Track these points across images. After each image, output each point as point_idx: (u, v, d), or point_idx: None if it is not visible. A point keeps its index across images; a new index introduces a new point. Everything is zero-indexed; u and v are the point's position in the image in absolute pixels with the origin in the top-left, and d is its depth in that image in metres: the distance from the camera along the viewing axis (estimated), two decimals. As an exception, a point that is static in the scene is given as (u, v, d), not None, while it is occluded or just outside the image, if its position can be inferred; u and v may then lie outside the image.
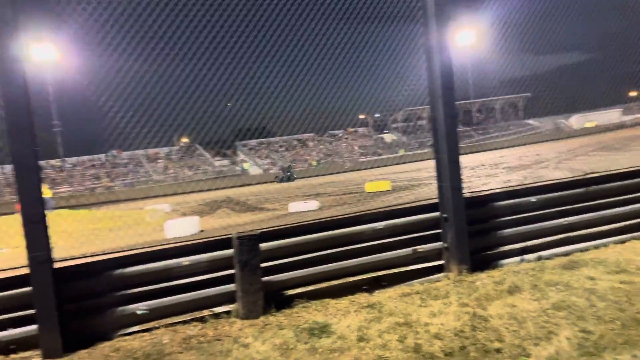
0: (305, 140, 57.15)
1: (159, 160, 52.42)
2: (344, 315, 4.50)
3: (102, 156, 51.31)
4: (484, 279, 5.07)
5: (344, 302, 4.86)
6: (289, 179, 33.72)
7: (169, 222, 17.36)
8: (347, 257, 5.21)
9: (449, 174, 5.25)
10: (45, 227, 4.03)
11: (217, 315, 4.66)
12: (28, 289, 4.08)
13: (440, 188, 5.43)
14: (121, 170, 49.80)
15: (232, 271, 4.70)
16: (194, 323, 4.54)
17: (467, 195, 5.51)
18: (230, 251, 4.70)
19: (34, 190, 3.98)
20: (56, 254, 4.27)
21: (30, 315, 4.11)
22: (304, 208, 17.84)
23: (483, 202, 5.78)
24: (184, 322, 4.54)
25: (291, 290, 4.91)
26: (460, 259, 5.22)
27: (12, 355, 4.12)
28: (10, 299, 4.15)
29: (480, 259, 5.42)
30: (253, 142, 56.16)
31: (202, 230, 16.91)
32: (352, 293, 5.03)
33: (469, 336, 3.79)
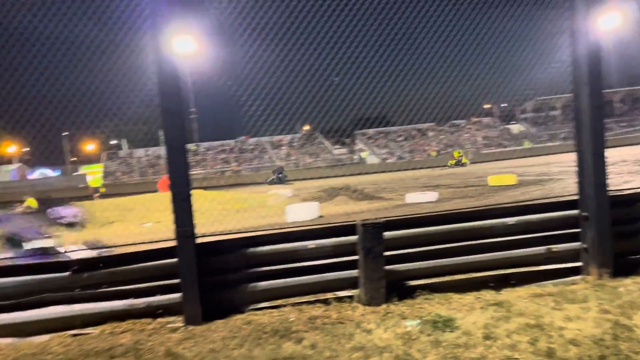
0: (424, 130, 55.97)
1: (282, 147, 54.76)
2: (469, 311, 4.37)
3: (232, 142, 54.88)
4: (629, 286, 4.61)
5: (468, 297, 4.72)
6: (280, 180, 33.69)
7: (290, 206, 18.06)
8: (474, 251, 5.04)
9: (592, 168, 4.83)
10: (190, 205, 4.41)
11: (340, 299, 4.78)
12: (174, 260, 4.51)
13: (580, 184, 5.02)
14: (248, 156, 52.88)
15: (355, 257, 4.78)
16: (318, 304, 4.71)
17: (611, 193, 5.03)
18: (354, 237, 4.78)
19: (183, 170, 4.38)
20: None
21: (175, 284, 4.54)
22: (421, 199, 17.50)
23: (630, 201, 5.24)
24: (309, 303, 4.73)
25: (414, 281, 4.87)
26: (602, 261, 4.79)
27: (159, 319, 4.59)
28: (159, 268, 4.62)
29: (624, 263, 4.93)
30: (372, 131, 56.29)
31: (321, 216, 17.36)
32: (477, 289, 4.86)
33: (609, 345, 3.48)
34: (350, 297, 4.78)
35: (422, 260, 4.95)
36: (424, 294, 4.78)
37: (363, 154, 53.58)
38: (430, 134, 55.65)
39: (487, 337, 3.81)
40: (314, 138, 56.39)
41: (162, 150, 50.62)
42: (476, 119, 56.09)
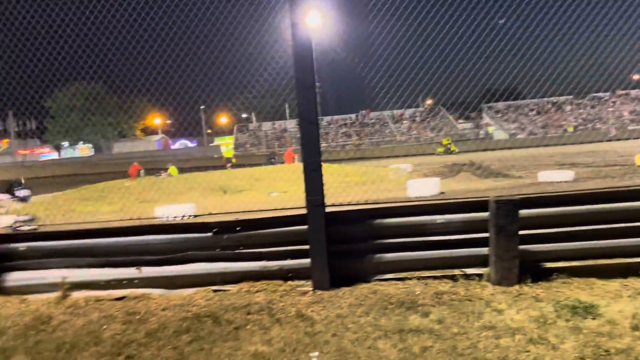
0: (560, 104, 51.49)
1: (404, 121, 53.97)
2: (614, 299, 4.01)
3: (353, 116, 55.32)
4: None
5: (613, 284, 4.32)
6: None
7: (411, 181, 17.80)
8: (621, 235, 4.58)
9: None
10: (321, 175, 4.55)
11: (467, 276, 4.65)
12: (305, 227, 4.70)
13: None
14: (369, 130, 52.97)
15: (486, 235, 4.59)
16: (445, 280, 4.63)
17: None
18: (485, 214, 4.59)
19: (314, 141, 4.51)
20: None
21: (305, 250, 4.74)
22: (556, 178, 16.20)
23: None
24: (435, 278, 4.66)
25: (551, 263, 4.57)
26: None
27: (290, 282, 4.84)
28: (290, 234, 4.85)
29: None
30: (500, 104, 53.12)
31: (442, 192, 16.90)
32: (624, 276, 4.43)
33: None
34: (479, 275, 4.62)
35: (561, 242, 4.62)
36: (562, 277, 4.46)
37: (490, 129, 50.88)
38: (568, 107, 51.07)
39: (636, 327, 3.47)
40: (437, 112, 54.67)
41: (287, 124, 52.69)
42: (622, 92, 50.23)
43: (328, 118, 54.67)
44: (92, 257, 5.04)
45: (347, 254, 4.87)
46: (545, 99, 50.22)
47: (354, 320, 3.99)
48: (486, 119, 52.64)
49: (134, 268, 4.99)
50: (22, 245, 5.07)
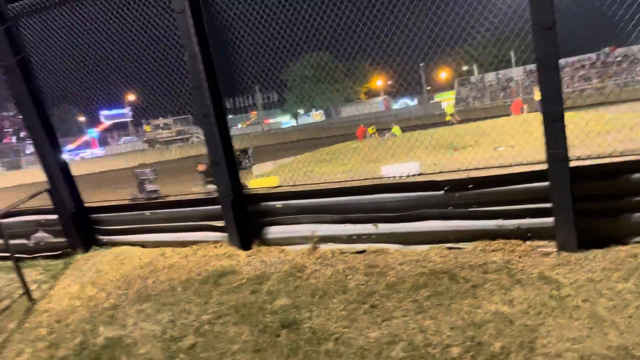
0: None
1: (662, 55, 44.87)
2: None
3: (593, 55, 48.14)
4: None
5: None
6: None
7: (676, 126, 14.91)
8: None
9: None
10: (563, 126, 4.11)
11: None
12: (545, 183, 4.34)
13: None
14: (614, 70, 45.58)
15: None
16: None
17: None
18: None
19: (555, 89, 4.08)
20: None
21: (546, 208, 4.39)
22: None
23: None
24: None
25: None
26: None
27: (528, 242, 4.57)
28: (528, 191, 4.54)
29: None
30: None
31: None
32: None
33: None
34: None
35: None
36: None
37: None
38: None
39: None
40: None
41: (513, 73, 48.77)
42: None
43: (561, 61, 48.68)
44: (334, 214, 5.54)
45: (597, 213, 4.35)
46: None
47: (609, 286, 3.59)
48: None
49: (371, 224, 5.33)
50: (278, 203, 5.85)
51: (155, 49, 6.48)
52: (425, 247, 5.03)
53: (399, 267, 4.67)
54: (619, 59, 46.60)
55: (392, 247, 5.21)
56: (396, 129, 28.45)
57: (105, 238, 7.29)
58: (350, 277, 4.68)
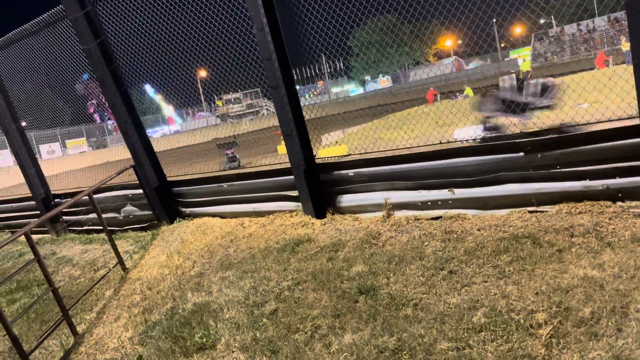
0: None
1: None
2: None
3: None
4: None
5: None
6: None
7: None
8: None
9: None
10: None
11: None
12: (637, 140, 4.03)
13: None
14: None
15: None
16: None
17: None
18: None
19: (649, 36, 3.73)
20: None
21: (637, 167, 4.09)
22: None
23: None
24: None
25: None
26: None
27: (619, 203, 4.28)
28: (618, 149, 4.23)
29: None
30: None
31: None
32: None
33: None
34: None
35: None
36: None
37: None
38: None
39: None
40: None
41: (596, 22, 45.08)
42: None
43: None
44: (407, 180, 5.47)
45: (698, 169, 4.00)
46: None
47: None
48: None
49: (447, 190, 5.21)
50: (350, 172, 5.86)
51: (225, 25, 6.58)
52: (505, 212, 4.86)
53: (477, 233, 4.56)
54: None
55: (469, 212, 5.08)
56: (469, 90, 27.39)
57: (188, 210, 7.67)
58: (426, 243, 4.64)
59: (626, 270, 3.32)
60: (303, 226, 5.87)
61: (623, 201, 4.27)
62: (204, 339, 4.07)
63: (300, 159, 5.87)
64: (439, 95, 29.62)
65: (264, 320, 4.12)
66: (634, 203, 4.22)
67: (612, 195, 4.33)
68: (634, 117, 4.04)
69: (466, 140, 6.18)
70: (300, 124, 5.90)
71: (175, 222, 7.64)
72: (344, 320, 3.76)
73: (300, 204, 6.18)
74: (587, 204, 4.38)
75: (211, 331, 4.18)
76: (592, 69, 25.81)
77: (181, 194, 7.75)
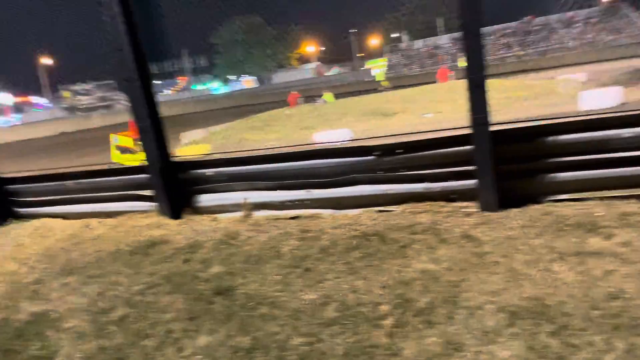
0: None
1: (576, 25, 47.45)
2: None
3: (515, 24, 50.14)
4: None
5: None
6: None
7: (585, 92, 15.99)
8: None
9: None
10: (485, 92, 4.29)
11: (660, 197, 4.14)
12: (468, 147, 4.55)
13: None
14: (533, 38, 47.77)
15: (687, 149, 3.98)
16: (632, 200, 4.17)
17: None
18: (686, 126, 3.96)
19: (478, 55, 4.23)
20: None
21: (469, 171, 4.61)
22: None
23: None
24: (621, 198, 4.23)
25: None
26: None
27: (453, 204, 4.79)
28: (453, 155, 4.74)
29: None
30: None
31: (624, 103, 14.91)
32: None
33: None
34: (677, 195, 4.08)
35: None
36: None
37: (688, 24, 42.39)
38: None
39: None
40: (617, 10, 46.92)
41: (440, 40, 49.96)
42: None
43: (486, 29, 50.34)
44: (267, 180, 5.53)
45: (515, 175, 4.63)
46: None
47: (525, 242, 3.85)
48: (684, 12, 43.81)
49: (304, 190, 5.37)
50: (209, 171, 5.75)
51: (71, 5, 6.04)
52: (357, 211, 5.15)
53: (331, 231, 4.77)
54: (538, 27, 48.90)
55: (324, 212, 5.29)
56: (328, 96, 28.56)
57: (23, 210, 6.88)
58: (284, 242, 4.72)
59: (457, 264, 3.72)
60: (158, 227, 5.62)
61: (456, 201, 4.79)
62: (42, 351, 3.69)
63: (156, 157, 5.61)
64: (301, 99, 30.38)
65: (112, 327, 3.85)
66: (464, 203, 4.75)
67: (448, 196, 4.83)
68: (466, 127, 4.54)
69: (328, 143, 6.47)
70: (157, 120, 5.64)
71: (8, 224, 6.81)
72: (199, 323, 3.67)
73: (155, 204, 5.90)
74: (427, 204, 4.83)
75: (50, 342, 3.80)
76: (436, 82, 28.51)
77: (17, 193, 6.93)
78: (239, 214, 5.55)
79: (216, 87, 57.86)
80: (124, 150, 15.43)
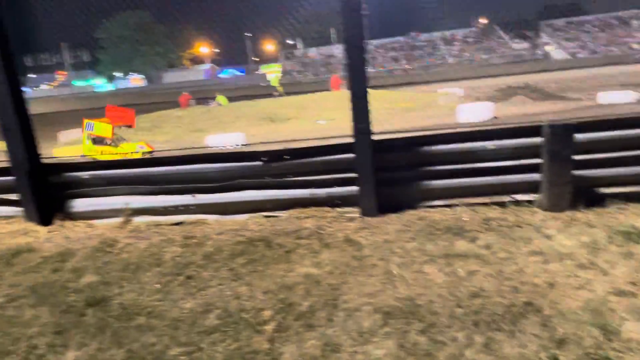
0: (628, 19, 47.41)
1: (455, 43, 51.45)
2: (672, 225, 3.89)
3: (402, 39, 53.14)
4: None
5: (671, 210, 4.19)
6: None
7: (462, 106, 17.35)
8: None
9: None
10: (367, 102, 4.49)
11: (517, 203, 4.61)
12: (351, 155, 4.72)
13: None
14: (418, 53, 50.94)
15: (538, 160, 4.48)
16: (494, 207, 4.60)
17: None
18: (538, 140, 4.45)
19: (360, 68, 4.42)
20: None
21: (352, 178, 4.79)
22: (618, 99, 15.35)
23: None
24: (484, 205, 4.65)
25: (605, 189, 4.45)
26: None
27: (337, 209, 4.95)
28: (337, 162, 4.90)
29: None
30: (560, 21, 49.47)
31: (495, 117, 16.39)
32: (684, 202, 4.27)
33: None
34: (530, 201, 4.57)
35: (617, 167, 4.45)
36: (618, 203, 4.35)
37: (548, 48, 47.88)
38: (635, 23, 47.02)
39: (693, 254, 3.39)
40: (491, 31, 51.71)
41: (334, 50, 51.42)
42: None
43: (376, 42, 52.79)
44: (150, 185, 5.29)
45: (394, 182, 4.89)
46: (610, 14, 46.32)
47: (401, 245, 4.08)
48: (544, 38, 49.40)
49: (190, 195, 5.22)
50: (85, 174, 5.37)
51: None
52: (244, 217, 5.11)
53: (216, 237, 4.68)
54: (423, 43, 52.27)
55: (210, 217, 5.19)
56: (222, 98, 28.09)
57: None
58: (165, 249, 4.55)
59: (338, 267, 3.84)
60: (23, 234, 5.13)
61: (340, 207, 4.95)
62: None
63: (22, 158, 5.12)
64: (192, 100, 29.53)
65: (-36, 347, 3.44)
66: (348, 209, 4.92)
67: (332, 202, 4.97)
68: (349, 136, 4.72)
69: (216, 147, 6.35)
70: (25, 117, 5.16)
71: None
72: (67, 337, 3.41)
73: (21, 209, 5.39)
74: (313, 210, 4.93)
75: None
76: (329, 90, 29.21)
77: None
78: (117, 220, 5.25)
79: (100, 84, 54.21)
80: (98, 141, 13.34)
